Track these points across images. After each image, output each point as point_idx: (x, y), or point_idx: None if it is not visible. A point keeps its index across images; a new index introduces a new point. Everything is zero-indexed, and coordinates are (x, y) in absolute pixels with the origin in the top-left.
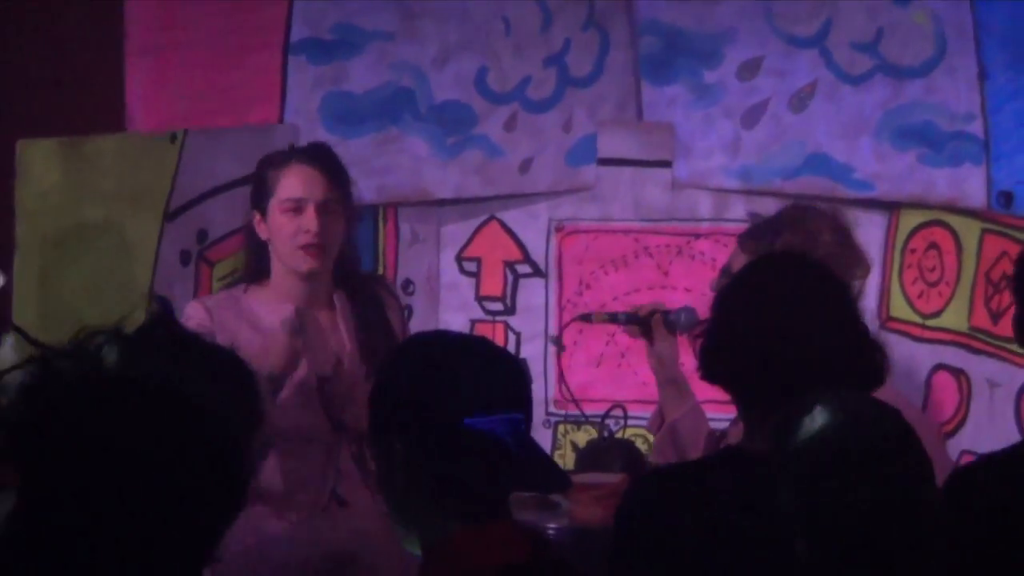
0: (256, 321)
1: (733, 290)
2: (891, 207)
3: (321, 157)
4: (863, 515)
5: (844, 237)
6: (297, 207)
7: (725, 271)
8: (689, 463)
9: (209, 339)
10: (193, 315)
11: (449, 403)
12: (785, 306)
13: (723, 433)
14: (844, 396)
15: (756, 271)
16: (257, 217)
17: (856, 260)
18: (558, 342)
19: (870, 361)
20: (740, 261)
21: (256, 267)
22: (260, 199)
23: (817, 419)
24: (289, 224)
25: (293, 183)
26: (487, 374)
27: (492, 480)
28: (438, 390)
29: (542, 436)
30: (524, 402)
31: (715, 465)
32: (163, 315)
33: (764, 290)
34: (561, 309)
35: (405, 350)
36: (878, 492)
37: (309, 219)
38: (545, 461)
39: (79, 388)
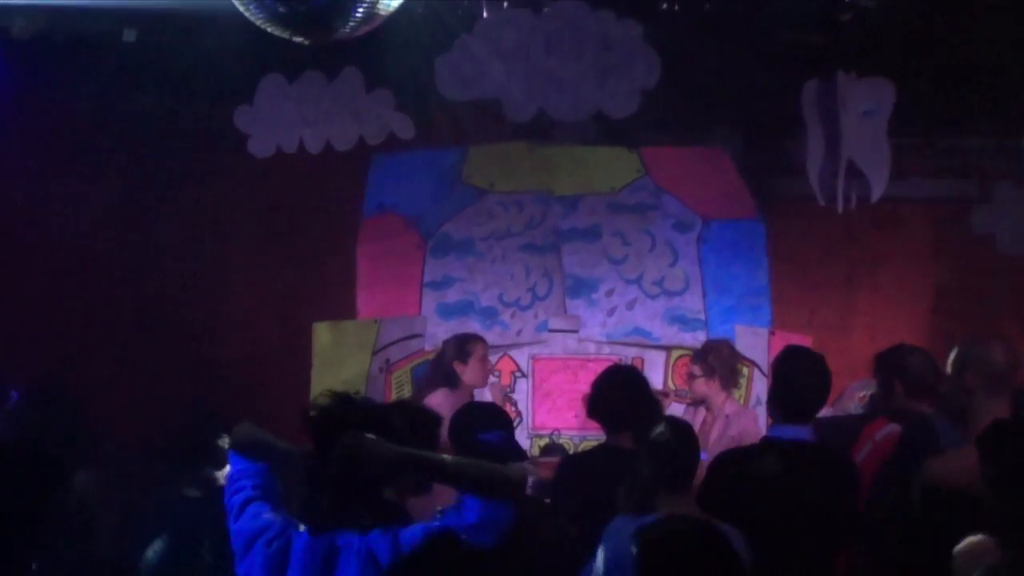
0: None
1: (601, 381)
2: (667, 349)
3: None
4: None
5: (733, 355)
6: (486, 358)
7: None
8: (583, 452)
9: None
10: (441, 398)
11: (473, 428)
12: (627, 386)
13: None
14: (667, 420)
15: (610, 372)
16: (459, 363)
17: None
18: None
19: (659, 405)
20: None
21: (453, 382)
22: (464, 357)
23: (658, 430)
24: (483, 367)
25: (485, 351)
26: (490, 419)
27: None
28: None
29: (525, 442)
30: (509, 428)
31: (596, 451)
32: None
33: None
34: (534, 394)
35: (461, 409)
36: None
37: (489, 365)
38: (520, 452)
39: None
